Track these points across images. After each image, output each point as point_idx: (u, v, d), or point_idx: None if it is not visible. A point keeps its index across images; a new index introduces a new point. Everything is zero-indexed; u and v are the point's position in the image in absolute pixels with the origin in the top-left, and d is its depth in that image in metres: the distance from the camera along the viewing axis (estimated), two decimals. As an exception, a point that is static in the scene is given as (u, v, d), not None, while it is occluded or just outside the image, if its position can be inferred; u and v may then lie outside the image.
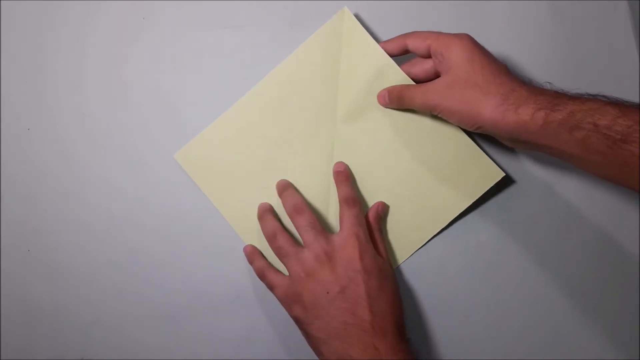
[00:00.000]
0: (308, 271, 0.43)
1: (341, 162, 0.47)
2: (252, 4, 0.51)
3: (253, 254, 0.47)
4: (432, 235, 0.47)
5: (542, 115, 0.37)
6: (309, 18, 0.51)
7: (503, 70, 0.41)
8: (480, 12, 0.51)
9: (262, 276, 0.46)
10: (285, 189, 0.47)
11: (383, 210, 0.47)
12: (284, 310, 0.45)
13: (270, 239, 0.45)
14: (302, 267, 0.43)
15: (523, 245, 0.48)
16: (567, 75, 0.50)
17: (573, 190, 0.48)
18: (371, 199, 0.47)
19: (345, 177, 0.47)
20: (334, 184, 0.47)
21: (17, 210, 0.49)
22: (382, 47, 0.46)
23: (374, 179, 0.47)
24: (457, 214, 0.47)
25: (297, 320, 0.43)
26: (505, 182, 0.48)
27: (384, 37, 0.51)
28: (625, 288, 0.47)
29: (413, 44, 0.44)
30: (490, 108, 0.39)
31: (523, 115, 0.38)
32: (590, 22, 0.51)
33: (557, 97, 0.38)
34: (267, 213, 0.47)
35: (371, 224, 0.46)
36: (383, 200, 0.47)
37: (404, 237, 0.47)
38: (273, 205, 0.48)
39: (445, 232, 0.48)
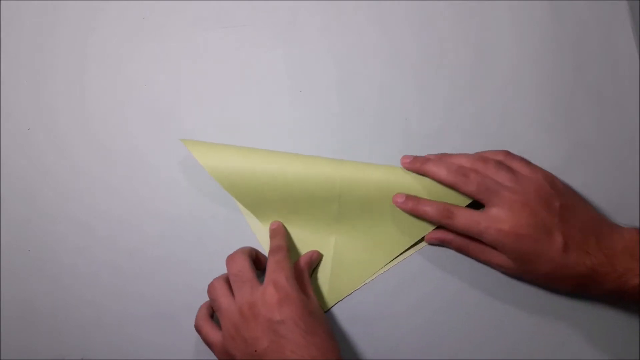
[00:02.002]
0: (236, 329, 0.40)
1: (276, 221, 0.47)
2: (252, 4, 0.51)
3: (202, 312, 0.44)
4: (378, 269, 0.47)
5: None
6: (309, 18, 0.51)
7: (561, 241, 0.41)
8: (480, 12, 0.51)
9: (198, 329, 0.43)
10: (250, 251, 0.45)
11: (316, 259, 0.46)
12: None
13: (209, 290, 0.44)
14: (231, 325, 0.40)
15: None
16: (568, 76, 0.50)
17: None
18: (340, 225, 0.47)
19: (279, 232, 0.46)
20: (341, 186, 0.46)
21: (17, 210, 0.49)
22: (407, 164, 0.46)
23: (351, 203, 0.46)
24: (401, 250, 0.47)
25: None
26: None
27: (383, 41, 0.51)
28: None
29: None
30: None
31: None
32: (590, 22, 0.51)
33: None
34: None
35: (302, 267, 0.45)
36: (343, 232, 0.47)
37: (349, 273, 0.47)
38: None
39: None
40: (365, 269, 0.47)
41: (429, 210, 0.44)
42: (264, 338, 0.39)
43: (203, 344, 0.44)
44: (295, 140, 0.50)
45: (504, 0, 0.51)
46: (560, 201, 0.43)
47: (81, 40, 0.51)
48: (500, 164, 0.44)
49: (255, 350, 0.39)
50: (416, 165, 0.46)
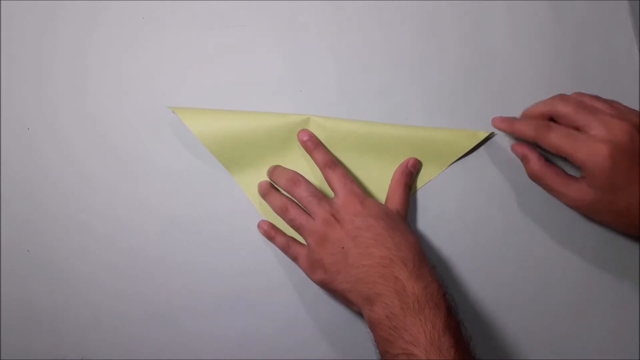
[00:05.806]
0: (322, 237, 0.43)
1: (304, 131, 0.48)
2: (252, 4, 0.51)
3: (272, 230, 0.47)
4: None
5: None
6: (309, 18, 0.51)
7: None
8: (480, 12, 0.51)
9: (286, 249, 0.47)
10: (274, 169, 0.48)
11: (414, 166, 0.48)
12: (285, 310, 0.45)
13: (282, 212, 0.46)
14: (316, 236, 0.44)
15: (522, 246, 0.48)
16: (568, 76, 0.50)
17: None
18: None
19: (314, 144, 0.47)
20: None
21: (17, 210, 0.49)
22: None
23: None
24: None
25: (322, 283, 0.44)
26: (507, 187, 0.48)
27: (383, 41, 0.51)
28: (625, 287, 0.47)
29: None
30: None
31: None
32: (590, 22, 0.51)
33: None
34: (271, 190, 0.47)
35: (398, 178, 0.47)
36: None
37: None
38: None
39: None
40: None
41: (524, 128, 0.45)
42: (349, 236, 0.42)
43: (203, 344, 0.45)
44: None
45: (504, 0, 0.51)
46: None
47: (81, 39, 0.51)
48: (596, 96, 0.45)
49: (343, 247, 0.42)
50: (505, 123, 0.47)
